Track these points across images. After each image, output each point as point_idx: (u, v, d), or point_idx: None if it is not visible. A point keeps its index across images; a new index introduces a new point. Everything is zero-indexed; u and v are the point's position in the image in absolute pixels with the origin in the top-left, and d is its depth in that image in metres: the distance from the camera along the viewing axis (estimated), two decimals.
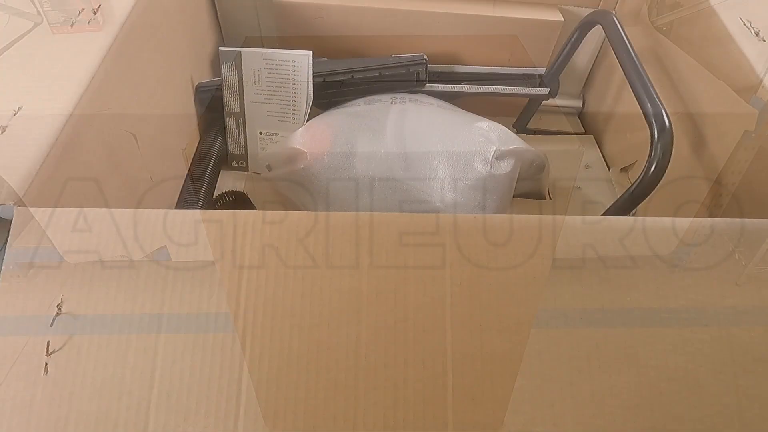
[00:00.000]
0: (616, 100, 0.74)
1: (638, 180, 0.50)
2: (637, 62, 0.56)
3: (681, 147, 0.56)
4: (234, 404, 0.33)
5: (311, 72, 0.63)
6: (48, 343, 0.34)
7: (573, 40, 0.67)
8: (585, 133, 0.81)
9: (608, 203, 0.68)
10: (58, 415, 0.33)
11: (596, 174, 0.73)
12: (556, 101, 0.81)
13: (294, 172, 0.61)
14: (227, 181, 0.70)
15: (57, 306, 0.34)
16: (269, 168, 0.66)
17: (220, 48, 0.64)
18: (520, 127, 0.79)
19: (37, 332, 0.34)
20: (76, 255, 0.35)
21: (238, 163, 0.71)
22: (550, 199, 0.70)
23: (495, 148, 0.61)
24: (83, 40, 0.48)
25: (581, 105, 0.83)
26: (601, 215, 0.55)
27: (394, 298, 0.35)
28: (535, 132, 0.80)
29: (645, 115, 0.52)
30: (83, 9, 0.50)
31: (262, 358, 0.34)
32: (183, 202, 0.61)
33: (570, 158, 0.75)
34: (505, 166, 0.61)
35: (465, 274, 0.36)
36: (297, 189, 0.61)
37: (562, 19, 0.69)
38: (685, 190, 0.59)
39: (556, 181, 0.72)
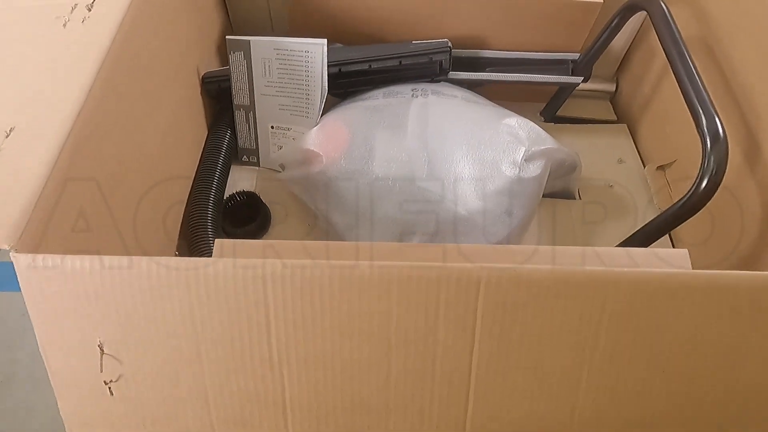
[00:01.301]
0: (656, 87, 0.68)
1: (685, 198, 0.45)
2: (689, 60, 0.50)
3: (731, 153, 0.51)
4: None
5: (326, 63, 0.58)
6: None
7: (612, 26, 0.60)
8: (617, 121, 0.76)
9: (643, 206, 0.65)
10: None
11: (630, 170, 0.68)
12: (587, 85, 0.75)
13: (308, 176, 0.57)
14: (239, 178, 0.66)
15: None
16: (282, 167, 0.62)
17: (227, 37, 0.59)
18: (548, 116, 0.74)
19: None
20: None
21: (249, 158, 0.67)
22: (580, 198, 0.66)
23: (524, 148, 0.56)
24: (79, 41, 0.43)
25: (614, 89, 0.77)
26: (639, 231, 0.51)
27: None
28: (564, 120, 0.74)
29: (696, 122, 0.47)
30: (76, 5, 0.46)
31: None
32: (193, 206, 0.58)
33: (602, 152, 0.70)
34: (535, 169, 0.57)
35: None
36: (312, 192, 0.57)
37: (601, 1, 0.63)
38: (732, 204, 0.56)
39: (587, 178, 0.67)
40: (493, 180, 0.55)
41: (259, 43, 0.58)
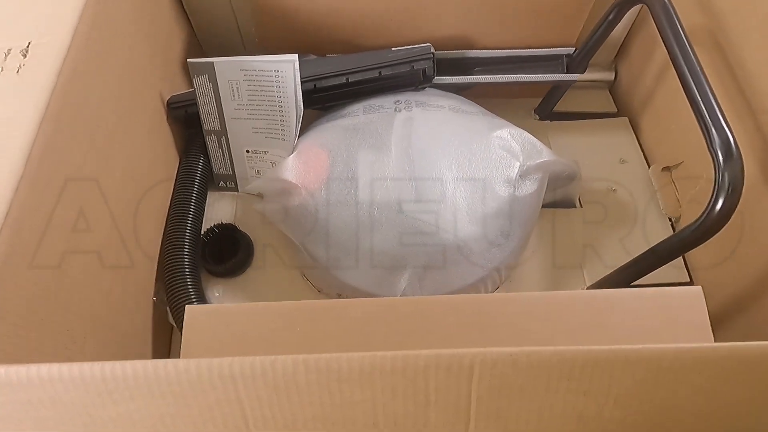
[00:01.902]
0: (659, 79, 0.63)
1: (700, 221, 0.41)
2: (695, 64, 0.45)
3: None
4: None
5: (299, 80, 0.53)
6: None
7: (609, 19, 0.55)
8: (618, 113, 0.71)
9: (649, 212, 0.61)
10: None
11: (633, 171, 0.64)
12: (584, 75, 0.70)
13: (288, 209, 0.53)
14: (217, 205, 0.62)
15: None
16: (262, 196, 0.58)
17: (188, 60, 0.54)
18: (544, 114, 0.69)
19: None
20: None
21: (226, 183, 0.63)
22: (581, 206, 0.62)
23: (519, 164, 0.52)
24: (16, 94, 0.39)
25: (613, 78, 0.72)
26: (649, 252, 0.47)
27: None
28: (560, 116, 0.69)
29: (706, 135, 0.43)
30: (9, 50, 0.41)
31: None
32: (168, 244, 0.54)
33: (602, 151, 0.66)
34: (531, 185, 0.53)
35: None
36: (293, 226, 0.53)
37: None
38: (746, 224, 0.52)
39: (587, 180, 0.63)
40: (487, 202, 0.51)
41: (224, 64, 0.53)
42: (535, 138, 0.54)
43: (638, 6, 0.61)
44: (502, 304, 0.38)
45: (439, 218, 0.50)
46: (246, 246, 0.58)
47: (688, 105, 0.45)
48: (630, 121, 0.68)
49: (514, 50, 0.62)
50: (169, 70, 0.60)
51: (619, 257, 0.58)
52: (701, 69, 0.45)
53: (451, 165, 0.52)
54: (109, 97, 0.47)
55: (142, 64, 0.53)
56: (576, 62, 0.61)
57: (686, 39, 0.47)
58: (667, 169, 0.61)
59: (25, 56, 0.40)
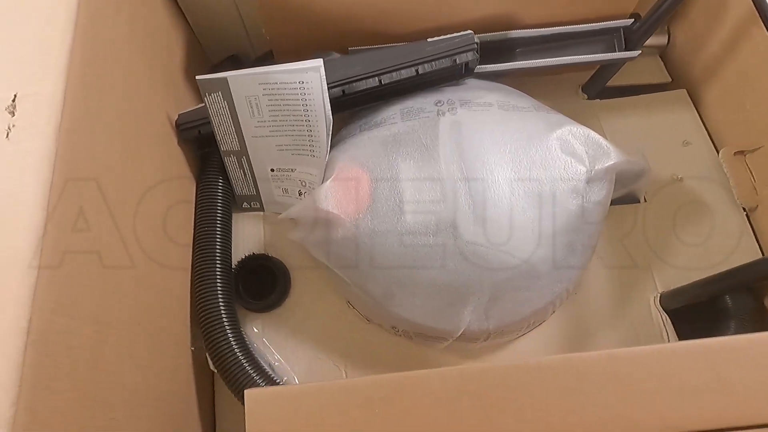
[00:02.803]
0: (729, 45, 0.55)
1: None
2: None
3: None
4: None
5: (326, 89, 0.46)
6: None
7: None
8: (672, 83, 0.64)
9: (720, 202, 0.55)
10: None
11: (699, 155, 0.57)
12: None
13: (329, 241, 0.47)
14: (243, 228, 0.56)
15: None
16: (295, 223, 0.52)
17: (197, 78, 0.46)
18: (593, 92, 0.62)
19: None
20: None
21: (250, 204, 0.57)
22: (645, 201, 0.56)
23: (585, 169, 0.46)
24: (12, 161, 0.32)
25: (666, 41, 0.64)
26: (737, 271, 0.42)
27: None
28: (609, 92, 0.62)
29: None
30: None
31: None
32: (199, 283, 0.49)
33: (662, 132, 0.59)
34: (600, 191, 0.47)
35: None
36: (337, 259, 0.48)
37: None
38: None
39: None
40: (553, 217, 0.45)
41: (239, 79, 0.46)
42: (600, 136, 0.47)
43: None
44: (605, 363, 0.33)
45: (503, 242, 0.45)
46: (282, 276, 0.53)
47: None
48: (688, 93, 0.61)
49: (561, 27, 0.54)
50: (173, 84, 0.52)
51: (691, 256, 0.53)
52: None
53: (510, 178, 0.45)
54: (114, 138, 0.40)
55: (144, 88, 0.46)
56: (636, 37, 0.53)
57: None
58: (740, 153, 0.54)
59: (13, 114, 0.33)
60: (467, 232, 0.44)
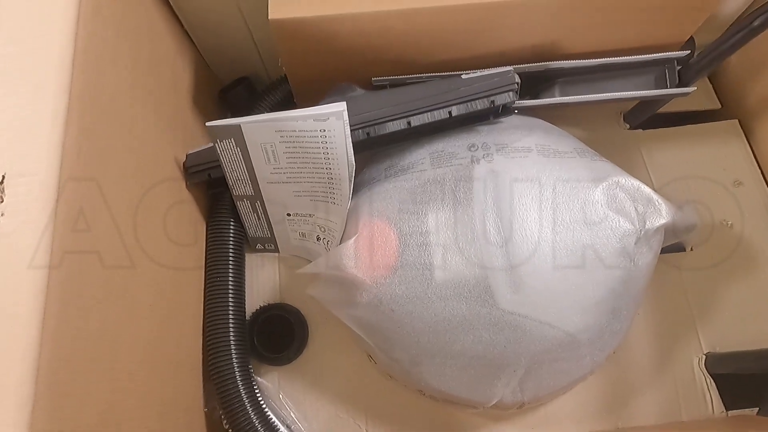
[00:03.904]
0: None
1: None
2: None
3: None
4: None
5: (349, 135, 0.41)
6: None
7: (753, 26, 0.41)
8: (722, 111, 0.58)
9: None
10: None
11: (752, 197, 0.53)
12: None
13: (352, 304, 0.43)
14: (257, 271, 0.53)
15: None
16: (314, 277, 0.48)
17: (207, 124, 0.41)
18: (635, 122, 0.57)
19: None
20: None
21: (264, 245, 0.53)
22: (692, 249, 0.52)
23: (635, 229, 0.42)
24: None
25: None
26: None
27: None
28: (652, 122, 0.57)
29: None
30: None
31: None
32: (211, 338, 0.46)
33: (711, 170, 0.54)
34: (648, 252, 0.43)
35: None
36: (361, 323, 0.44)
37: None
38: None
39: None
40: (597, 283, 0.41)
41: (254, 127, 0.41)
42: (650, 190, 0.43)
43: None
44: None
45: (542, 310, 0.41)
46: (299, 327, 0.50)
47: None
48: (741, 124, 0.56)
49: (608, 59, 0.49)
50: (181, 119, 0.48)
51: (740, 313, 0.49)
52: None
53: (551, 238, 0.41)
54: (120, 206, 0.36)
55: (151, 137, 0.41)
56: (693, 72, 0.48)
57: None
58: None
59: (1, 200, 0.29)
60: (504, 300, 0.41)
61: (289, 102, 0.54)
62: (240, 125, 0.41)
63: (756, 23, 0.41)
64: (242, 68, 0.56)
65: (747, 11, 0.54)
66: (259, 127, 0.41)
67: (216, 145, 0.43)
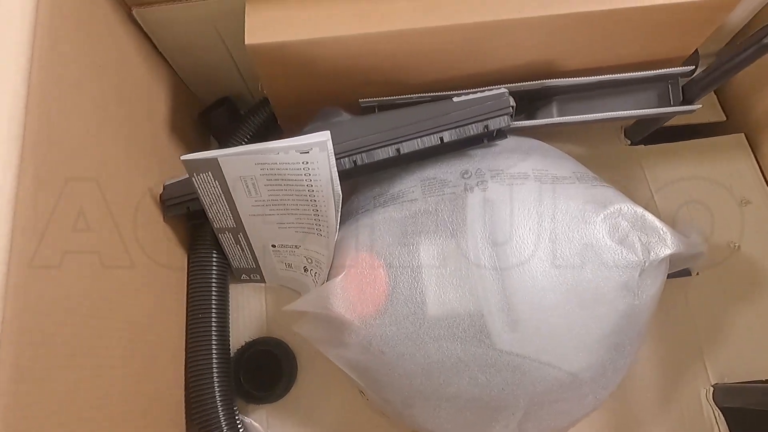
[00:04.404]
0: None
1: None
2: None
3: None
4: None
5: (334, 165, 0.39)
6: None
7: (761, 44, 0.39)
8: (727, 123, 0.56)
9: None
10: None
11: (760, 217, 0.50)
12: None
13: (341, 345, 0.41)
14: (243, 302, 0.50)
15: None
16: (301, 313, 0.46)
17: (182, 158, 0.39)
18: (636, 138, 0.54)
19: None
20: None
21: (250, 276, 0.50)
22: (698, 274, 0.49)
23: (639, 261, 0.39)
24: None
25: None
26: None
27: None
28: (654, 137, 0.54)
29: None
30: None
31: None
32: (194, 377, 0.44)
33: (716, 188, 0.52)
34: (653, 284, 0.40)
35: None
36: (350, 364, 0.42)
37: None
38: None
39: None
40: (599, 319, 0.39)
41: (232, 160, 0.39)
42: (655, 218, 0.40)
43: None
44: None
45: (541, 350, 0.38)
46: (287, 362, 0.47)
47: None
48: (747, 138, 0.54)
49: (608, 75, 0.46)
50: (157, 148, 0.45)
51: (748, 338, 0.47)
52: None
53: (551, 274, 0.39)
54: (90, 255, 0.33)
55: (120, 170, 0.39)
56: (697, 88, 0.45)
57: None
58: None
59: None
60: (500, 340, 0.38)
61: (273, 123, 0.52)
62: (217, 158, 0.39)
63: (766, 40, 0.39)
64: (223, 88, 0.53)
65: (753, 20, 0.51)
66: (237, 160, 0.39)
67: (193, 178, 0.40)
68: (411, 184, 0.44)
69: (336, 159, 0.39)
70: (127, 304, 0.37)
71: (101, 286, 0.34)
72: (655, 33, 0.44)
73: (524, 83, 0.46)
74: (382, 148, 0.42)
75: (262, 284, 0.51)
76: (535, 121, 0.47)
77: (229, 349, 0.46)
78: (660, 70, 0.46)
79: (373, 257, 0.41)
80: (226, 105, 0.53)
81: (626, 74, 0.46)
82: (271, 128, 0.52)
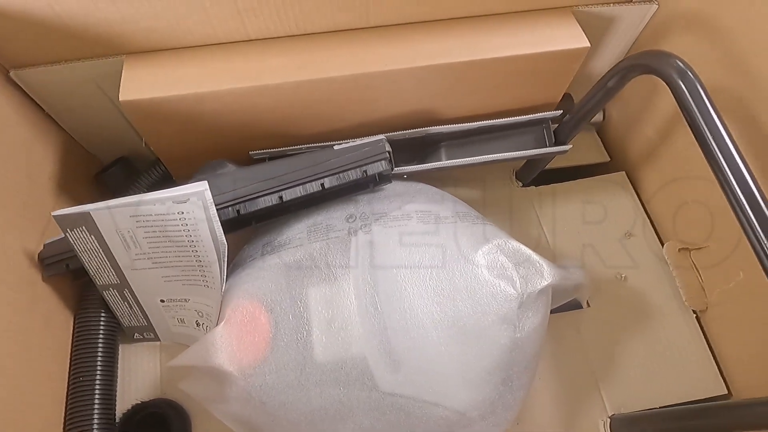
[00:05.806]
0: (666, 135, 0.51)
1: None
2: (735, 157, 0.34)
3: None
4: None
5: (214, 214, 0.39)
6: None
7: (608, 87, 0.43)
8: (611, 164, 0.60)
9: (668, 304, 0.51)
10: None
11: (643, 248, 0.53)
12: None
13: (223, 400, 0.40)
14: (135, 363, 0.48)
15: None
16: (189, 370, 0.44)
17: (52, 214, 0.38)
18: (526, 179, 0.57)
19: None
20: None
21: (143, 334, 0.49)
22: (588, 306, 0.51)
23: (516, 294, 0.40)
24: None
25: (601, 117, 0.60)
26: (692, 412, 0.37)
27: None
28: (545, 178, 0.57)
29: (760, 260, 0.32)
30: None
31: None
32: None
33: (603, 224, 0.55)
34: (534, 316, 0.41)
35: None
36: (236, 421, 0.40)
37: (588, 45, 0.45)
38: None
39: (590, 265, 0.52)
40: (482, 354, 0.39)
41: (105, 214, 0.38)
42: (531, 252, 0.42)
43: (642, 25, 0.49)
44: None
45: (425, 389, 0.38)
46: (180, 424, 0.45)
47: (712, 176, 0.35)
48: (627, 175, 0.57)
49: (486, 122, 0.49)
50: (36, 212, 0.44)
51: (641, 367, 0.48)
52: (743, 163, 0.34)
53: (431, 309, 0.39)
54: None
55: None
56: (566, 130, 0.48)
57: (719, 123, 0.35)
58: (685, 249, 0.50)
59: None
60: (384, 382, 0.38)
61: (169, 179, 0.52)
62: (90, 212, 0.38)
63: (610, 84, 0.43)
64: (122, 147, 0.54)
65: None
66: (111, 213, 0.39)
67: (67, 234, 0.40)
68: (299, 231, 0.44)
69: (219, 209, 0.40)
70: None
71: None
72: (520, 81, 0.47)
73: (408, 131, 0.49)
74: (265, 197, 0.43)
75: (157, 343, 0.49)
76: (424, 165, 0.49)
77: (114, 415, 0.44)
78: (532, 116, 0.49)
79: (255, 304, 0.40)
80: (121, 163, 0.53)
81: (502, 120, 0.49)
82: (169, 184, 0.53)
